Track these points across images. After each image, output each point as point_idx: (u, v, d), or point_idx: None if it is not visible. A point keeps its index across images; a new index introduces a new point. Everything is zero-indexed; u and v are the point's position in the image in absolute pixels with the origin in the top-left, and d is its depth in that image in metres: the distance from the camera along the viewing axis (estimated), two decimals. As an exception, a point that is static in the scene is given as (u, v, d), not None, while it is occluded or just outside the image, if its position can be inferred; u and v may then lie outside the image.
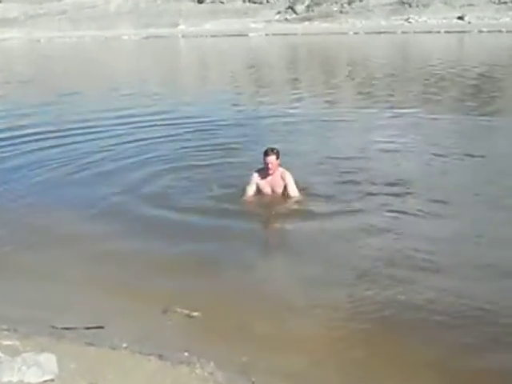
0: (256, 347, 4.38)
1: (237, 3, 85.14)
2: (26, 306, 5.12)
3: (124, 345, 4.38)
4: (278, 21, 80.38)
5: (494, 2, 70.55)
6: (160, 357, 4.19)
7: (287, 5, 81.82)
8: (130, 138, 11.98)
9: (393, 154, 9.88)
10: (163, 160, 9.96)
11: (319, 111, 15.16)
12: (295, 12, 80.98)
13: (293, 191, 7.43)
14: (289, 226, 7.12)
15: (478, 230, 6.53)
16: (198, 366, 4.08)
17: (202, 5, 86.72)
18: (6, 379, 3.64)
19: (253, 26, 77.24)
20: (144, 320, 4.82)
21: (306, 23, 77.06)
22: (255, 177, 7.50)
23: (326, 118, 13.83)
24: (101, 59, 44.87)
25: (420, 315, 4.74)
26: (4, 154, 10.77)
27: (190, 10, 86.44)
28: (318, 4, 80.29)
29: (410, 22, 70.53)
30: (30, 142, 11.81)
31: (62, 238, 6.67)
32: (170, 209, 7.41)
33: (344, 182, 8.22)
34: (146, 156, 10.31)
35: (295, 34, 65.15)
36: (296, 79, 25.24)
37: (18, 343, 4.31)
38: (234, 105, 17.24)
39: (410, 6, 74.99)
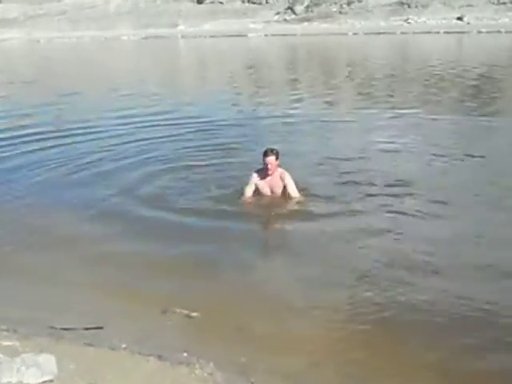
0: (255, 348, 4.38)
1: (236, 4, 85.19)
2: (25, 307, 5.11)
3: (123, 345, 4.37)
4: (277, 21, 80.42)
5: (493, 3, 70.62)
6: (159, 357, 4.18)
7: (286, 5, 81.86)
8: (130, 139, 11.98)
9: (392, 155, 9.88)
10: (162, 160, 9.96)
11: (319, 112, 15.16)
12: (294, 12, 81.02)
13: (293, 192, 7.43)
14: (288, 226, 7.12)
15: (478, 230, 6.52)
16: (197, 366, 4.08)
17: (202, 5, 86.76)
18: (5, 380, 3.64)
19: (252, 26, 77.26)
20: (143, 320, 4.82)
21: (305, 24, 77.08)
22: (254, 177, 7.50)
23: (326, 119, 13.83)
24: (100, 59, 44.88)
25: (420, 316, 4.74)
26: (3, 154, 10.77)
27: (190, 11, 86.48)
28: (317, 5, 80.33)
29: (409, 23, 70.57)
30: (29, 142, 11.81)
31: (61, 238, 6.67)
32: (169, 210, 7.40)
33: (344, 183, 8.21)
34: (145, 156, 10.31)
35: (294, 35, 65.17)
36: (295, 80, 25.24)
37: (17, 344, 4.31)
38: (234, 105, 17.25)
39: (409, 6, 75.03)
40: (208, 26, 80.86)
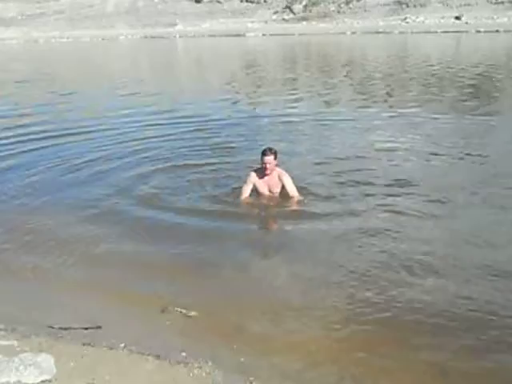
0: (254, 347, 4.38)
1: (234, 3, 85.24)
2: (24, 307, 5.11)
3: (122, 345, 4.38)
4: (276, 21, 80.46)
5: (491, 2, 70.72)
6: (158, 357, 4.19)
7: (285, 5, 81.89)
8: (128, 138, 11.97)
9: (392, 154, 9.87)
10: (160, 160, 9.94)
11: (317, 111, 15.15)
12: (293, 12, 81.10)
13: (292, 191, 7.42)
14: (287, 226, 7.10)
15: (478, 230, 6.51)
16: (195, 365, 4.08)
17: (200, 4, 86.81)
18: (3, 379, 3.64)
19: (250, 25, 77.27)
20: (142, 320, 4.82)
21: (304, 23, 77.13)
22: (252, 176, 7.48)
23: (325, 118, 13.82)
24: (98, 59, 44.83)
25: (419, 316, 4.73)
26: (0, 154, 10.74)
27: (188, 10, 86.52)
28: (315, 4, 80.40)
29: (407, 22, 70.66)
30: (25, 141, 11.79)
31: (59, 238, 6.64)
32: (167, 209, 7.38)
33: (343, 182, 8.21)
34: (143, 156, 10.29)
35: (293, 34, 65.20)
36: (294, 79, 25.23)
37: (15, 343, 4.31)
38: (232, 104, 17.25)
39: (408, 5, 75.15)
40: (206, 26, 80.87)
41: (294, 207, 7.34)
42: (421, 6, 74.21)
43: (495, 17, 67.25)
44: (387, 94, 18.71)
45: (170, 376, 3.96)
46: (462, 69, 25.01)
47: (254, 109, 16.37)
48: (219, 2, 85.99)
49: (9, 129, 13.34)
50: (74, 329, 4.63)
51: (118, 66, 38.39)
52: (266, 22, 79.84)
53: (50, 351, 4.12)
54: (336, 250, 6.16)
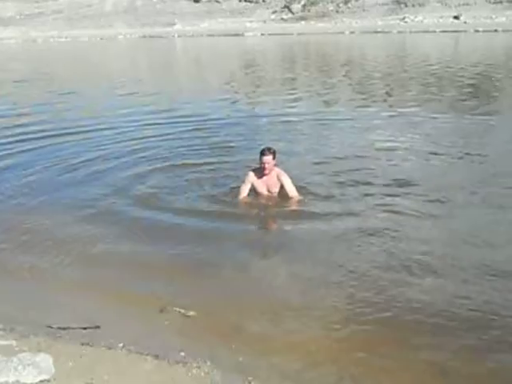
0: (253, 347, 4.37)
1: (233, 3, 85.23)
2: (22, 306, 5.11)
3: (120, 345, 4.38)
4: (274, 20, 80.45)
5: (490, 2, 70.78)
6: (156, 356, 4.19)
7: (283, 4, 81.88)
8: (126, 138, 11.97)
9: (391, 154, 9.87)
10: (158, 159, 9.94)
11: (317, 111, 15.14)
12: (291, 11, 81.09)
13: (291, 191, 7.40)
14: (285, 226, 7.09)
15: (478, 230, 6.51)
16: (194, 365, 4.08)
17: (198, 4, 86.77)
18: (2, 379, 3.64)
19: (249, 25, 77.26)
20: (140, 320, 4.82)
21: (302, 23, 77.14)
22: (251, 176, 7.47)
23: (324, 118, 13.81)
24: (96, 59, 44.79)
25: (419, 316, 4.73)
26: (-2, 154, 10.74)
27: (186, 10, 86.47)
28: (314, 3, 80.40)
29: (405, 22, 70.67)
30: (22, 141, 11.78)
31: (57, 238, 6.63)
32: (165, 209, 7.37)
33: (342, 182, 8.20)
34: (140, 155, 10.28)
35: (291, 34, 65.19)
36: (293, 79, 25.22)
37: (14, 343, 4.31)
38: (231, 104, 17.24)
39: (406, 5, 75.18)
40: (205, 25, 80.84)
41: (293, 207, 7.33)
42: (419, 5, 74.25)
43: (494, 16, 67.28)
44: (386, 93, 18.72)
45: (168, 376, 3.96)
46: (461, 68, 25.02)
47: (253, 108, 16.36)
48: (218, 2, 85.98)
49: (7, 128, 13.33)
50: (73, 328, 4.62)
51: (117, 65, 38.38)
52: (264, 21, 79.82)
53: (49, 351, 4.12)
54: (335, 250, 6.15)
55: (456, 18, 69.26)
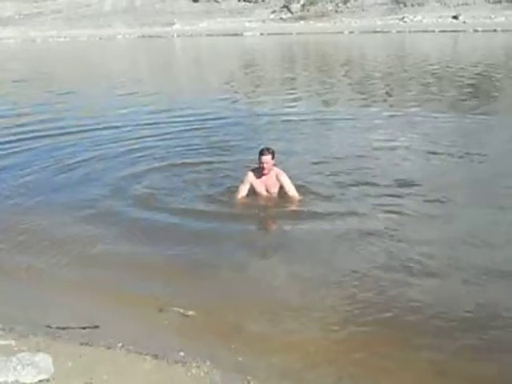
0: (252, 347, 4.37)
1: (232, 2, 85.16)
2: (21, 306, 5.11)
3: (119, 344, 4.37)
4: (273, 20, 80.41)
5: (489, 2, 70.76)
6: (155, 356, 4.18)
7: (282, 4, 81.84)
8: (126, 137, 11.95)
9: (391, 154, 9.87)
10: (157, 159, 9.94)
11: (316, 110, 15.15)
12: (290, 11, 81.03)
13: (291, 191, 7.39)
14: (285, 226, 7.08)
15: (478, 230, 6.51)
16: (193, 365, 4.08)
17: (197, 4, 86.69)
18: (1, 379, 3.64)
19: (248, 25, 77.23)
20: (139, 320, 4.82)
21: (301, 22, 77.11)
22: (250, 176, 7.47)
23: (323, 117, 13.83)
24: (96, 59, 44.76)
25: (419, 317, 4.73)
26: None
27: (185, 9, 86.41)
28: (313, 3, 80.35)
29: (404, 22, 70.63)
30: (20, 140, 11.79)
31: (56, 238, 6.62)
32: (164, 210, 7.36)
33: (341, 182, 8.19)
34: (140, 155, 10.27)
35: (290, 34, 65.15)
36: (292, 78, 25.21)
37: (13, 343, 4.31)
38: (230, 104, 17.22)
39: (405, 5, 75.15)
40: (204, 25, 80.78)
41: (292, 207, 7.33)
42: (418, 5, 74.22)
43: (493, 16, 67.26)
44: (386, 93, 18.71)
45: (167, 375, 3.96)
46: (461, 68, 25.02)
47: (253, 108, 16.35)
48: (217, 2, 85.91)
49: (6, 128, 13.32)
50: (72, 328, 4.62)
51: (116, 65, 38.35)
52: (263, 21, 79.77)
53: (48, 351, 4.12)
54: (335, 250, 6.15)
55: (455, 17, 69.23)
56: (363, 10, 76.78)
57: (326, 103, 16.89)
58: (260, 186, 7.44)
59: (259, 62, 35.24)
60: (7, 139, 11.95)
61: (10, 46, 67.98)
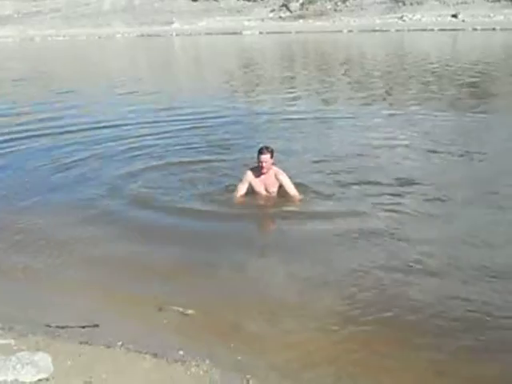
0: (252, 346, 4.37)
1: (231, 1, 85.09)
2: (21, 306, 5.10)
3: (119, 343, 4.37)
4: (272, 19, 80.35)
5: (488, 0, 70.73)
6: (155, 355, 4.18)
7: (281, 3, 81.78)
8: (125, 136, 11.94)
9: (390, 152, 9.87)
10: (156, 158, 9.92)
11: (316, 109, 15.14)
12: (289, 10, 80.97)
13: (291, 190, 7.37)
14: (284, 225, 7.06)
15: (478, 230, 6.50)
16: (193, 364, 4.08)
17: (196, 3, 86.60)
18: (0, 378, 3.64)
19: (247, 23, 77.18)
20: (139, 318, 4.82)
21: (300, 21, 77.07)
22: (248, 175, 7.46)
23: (323, 116, 13.82)
24: (95, 58, 44.71)
25: (418, 317, 4.72)
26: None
27: (184, 8, 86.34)
28: (312, 2, 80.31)
29: (403, 20, 70.60)
30: (21, 139, 11.77)
31: (55, 238, 6.61)
32: (163, 209, 7.35)
33: (341, 181, 8.18)
34: (139, 154, 10.25)
35: (289, 32, 65.12)
36: (292, 77, 25.20)
37: (12, 342, 4.30)
38: (229, 102, 17.19)
39: (404, 3, 75.12)
40: (203, 24, 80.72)
41: (292, 206, 7.31)
42: (417, 3, 74.20)
43: (492, 15, 67.27)
44: (386, 92, 18.72)
45: (167, 374, 3.96)
46: (461, 67, 25.04)
47: (252, 107, 16.34)
48: (216, 0, 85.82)
49: (6, 127, 13.30)
50: (71, 327, 4.62)
51: (115, 64, 38.29)
52: (262, 20, 79.71)
53: (47, 350, 4.12)
54: (334, 250, 6.15)
55: (454, 16, 69.23)
56: (362, 9, 76.74)
57: (325, 102, 16.89)
58: (259, 185, 7.43)
59: (258, 61, 35.22)
60: (7, 138, 11.93)
61: (8, 44, 67.86)
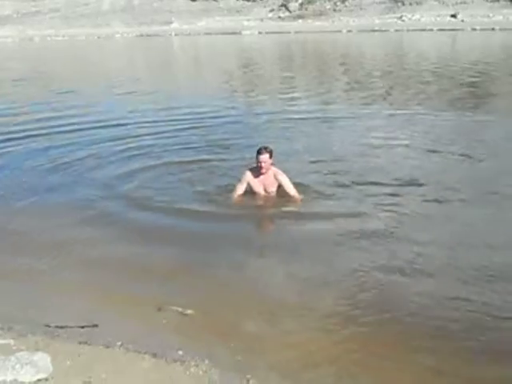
0: (251, 346, 4.37)
1: (230, 1, 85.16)
2: (20, 306, 5.09)
3: (118, 343, 4.37)
4: (272, 19, 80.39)
5: (487, 0, 70.80)
6: (154, 355, 4.18)
7: (280, 3, 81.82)
8: (124, 136, 11.92)
9: (390, 153, 9.86)
10: (154, 158, 9.90)
11: (315, 109, 15.14)
12: (288, 10, 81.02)
13: (290, 190, 7.36)
14: (283, 225, 7.06)
15: (479, 231, 6.49)
16: (192, 364, 4.07)
17: (195, 3, 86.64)
18: (0, 378, 3.64)
19: (246, 23, 77.21)
20: (138, 318, 4.81)
21: (300, 21, 77.11)
22: (247, 175, 7.45)
23: (323, 116, 13.81)
24: (94, 57, 44.70)
25: (418, 318, 4.71)
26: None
27: (183, 8, 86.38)
28: (311, 2, 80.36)
29: (403, 20, 70.64)
30: (19, 139, 11.76)
31: (54, 239, 6.60)
32: (160, 209, 7.33)
33: (341, 181, 8.16)
34: (138, 154, 10.23)
35: (288, 32, 65.14)
36: (291, 77, 25.20)
37: (11, 342, 4.30)
38: (228, 102, 17.17)
39: (404, 3, 75.18)
40: (202, 24, 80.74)
41: (291, 206, 7.29)
42: (417, 3, 74.27)
43: (491, 15, 67.34)
44: (386, 91, 18.70)
45: (166, 374, 3.95)
46: (460, 67, 25.05)
47: (251, 107, 16.33)
48: (215, 0, 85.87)
49: (4, 127, 13.28)
50: (71, 327, 4.61)
51: (114, 64, 38.29)
52: (261, 20, 79.75)
53: (47, 350, 4.11)
54: (334, 250, 6.14)
55: (453, 16, 69.30)
56: (361, 9, 76.80)
57: (325, 102, 16.87)
58: (258, 185, 7.42)
59: (258, 61, 35.23)
60: (5, 138, 11.90)
61: (7, 44, 67.86)
